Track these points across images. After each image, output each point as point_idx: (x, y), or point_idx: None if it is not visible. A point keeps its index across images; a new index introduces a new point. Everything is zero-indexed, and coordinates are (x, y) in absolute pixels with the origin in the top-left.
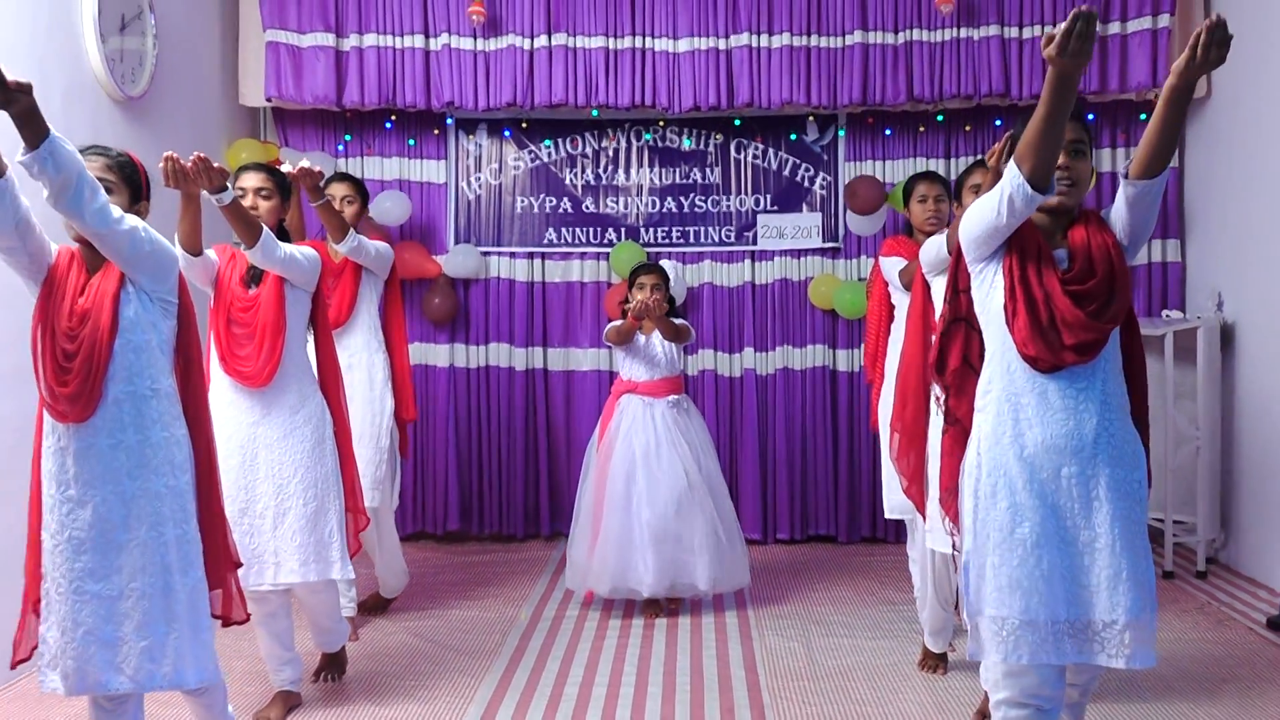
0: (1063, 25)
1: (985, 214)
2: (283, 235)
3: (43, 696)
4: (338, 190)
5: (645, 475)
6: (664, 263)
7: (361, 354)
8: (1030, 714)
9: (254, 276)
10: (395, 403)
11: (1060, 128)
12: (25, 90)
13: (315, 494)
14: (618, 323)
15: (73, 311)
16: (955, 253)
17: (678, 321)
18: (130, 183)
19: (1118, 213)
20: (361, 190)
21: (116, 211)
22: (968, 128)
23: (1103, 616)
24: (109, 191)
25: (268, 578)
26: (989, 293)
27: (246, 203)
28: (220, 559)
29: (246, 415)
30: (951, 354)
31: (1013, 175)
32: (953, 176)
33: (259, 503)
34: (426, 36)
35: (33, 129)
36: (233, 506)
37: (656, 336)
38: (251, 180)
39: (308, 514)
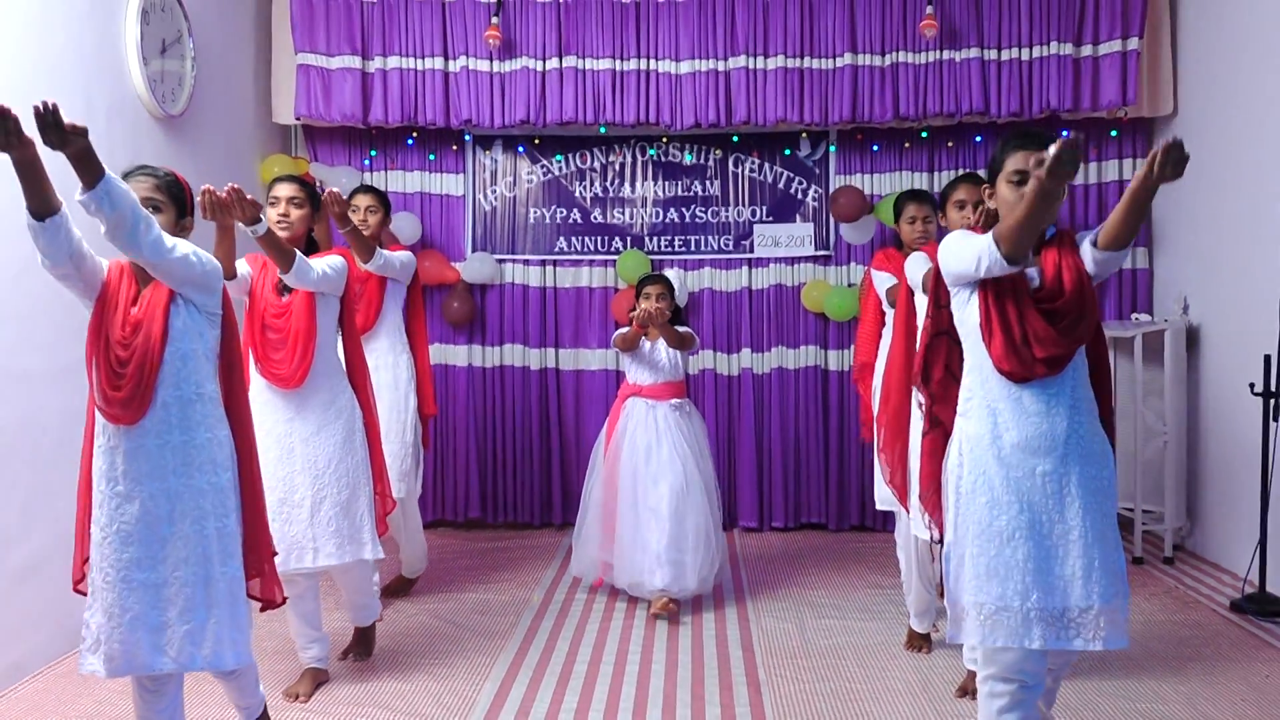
0: (1053, 150)
1: (963, 262)
2: (311, 243)
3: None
4: (362, 201)
5: (648, 472)
6: (669, 272)
7: (387, 355)
8: (1015, 689)
9: (286, 285)
10: (418, 400)
11: (1038, 226)
12: (81, 133)
13: (348, 482)
14: (624, 330)
15: (126, 321)
16: (935, 272)
17: (681, 330)
18: (176, 201)
19: (1085, 257)
20: (384, 201)
21: (169, 240)
22: (950, 143)
23: (1078, 603)
24: (157, 210)
25: (307, 561)
26: (966, 308)
27: (279, 210)
28: (260, 549)
29: (282, 413)
30: (935, 365)
31: (992, 248)
32: (936, 188)
33: (297, 493)
34: (446, 59)
35: (88, 169)
36: (272, 497)
37: (661, 343)
38: (285, 190)
39: (342, 501)
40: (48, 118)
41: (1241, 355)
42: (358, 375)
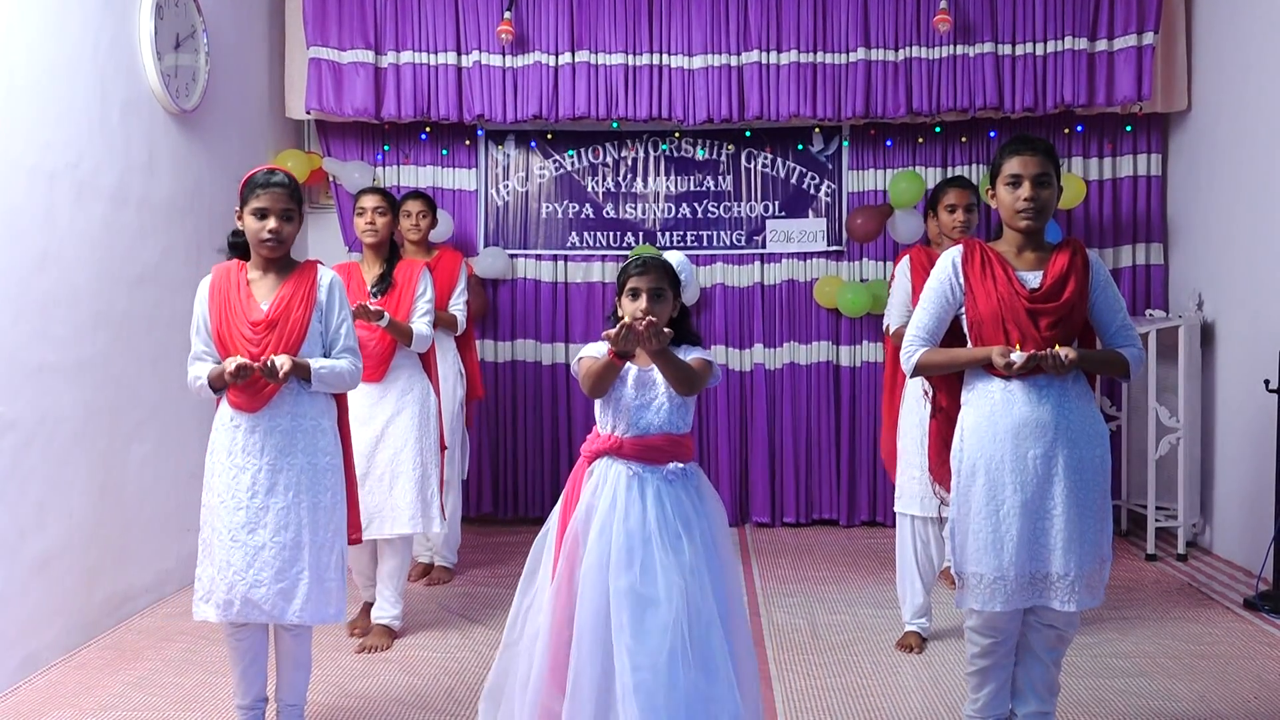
0: (1019, 360)
1: (907, 331)
2: (394, 248)
3: (97, 669)
4: (413, 206)
5: (631, 607)
6: (673, 254)
7: (440, 346)
8: (990, 643)
9: (380, 289)
10: (466, 386)
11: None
12: (281, 370)
13: (421, 461)
14: (592, 350)
15: (254, 320)
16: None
17: (692, 357)
18: (299, 202)
19: (1092, 303)
20: (431, 205)
21: (356, 363)
22: (964, 139)
23: (1058, 570)
24: (290, 219)
25: (386, 529)
26: (963, 312)
27: (366, 219)
28: (349, 524)
29: (366, 399)
30: None
31: (910, 359)
32: None
33: (378, 469)
34: (459, 54)
35: (300, 376)
36: (358, 472)
37: (656, 371)
38: (370, 201)
39: (416, 478)
40: (268, 374)
41: (1256, 352)
42: (432, 368)
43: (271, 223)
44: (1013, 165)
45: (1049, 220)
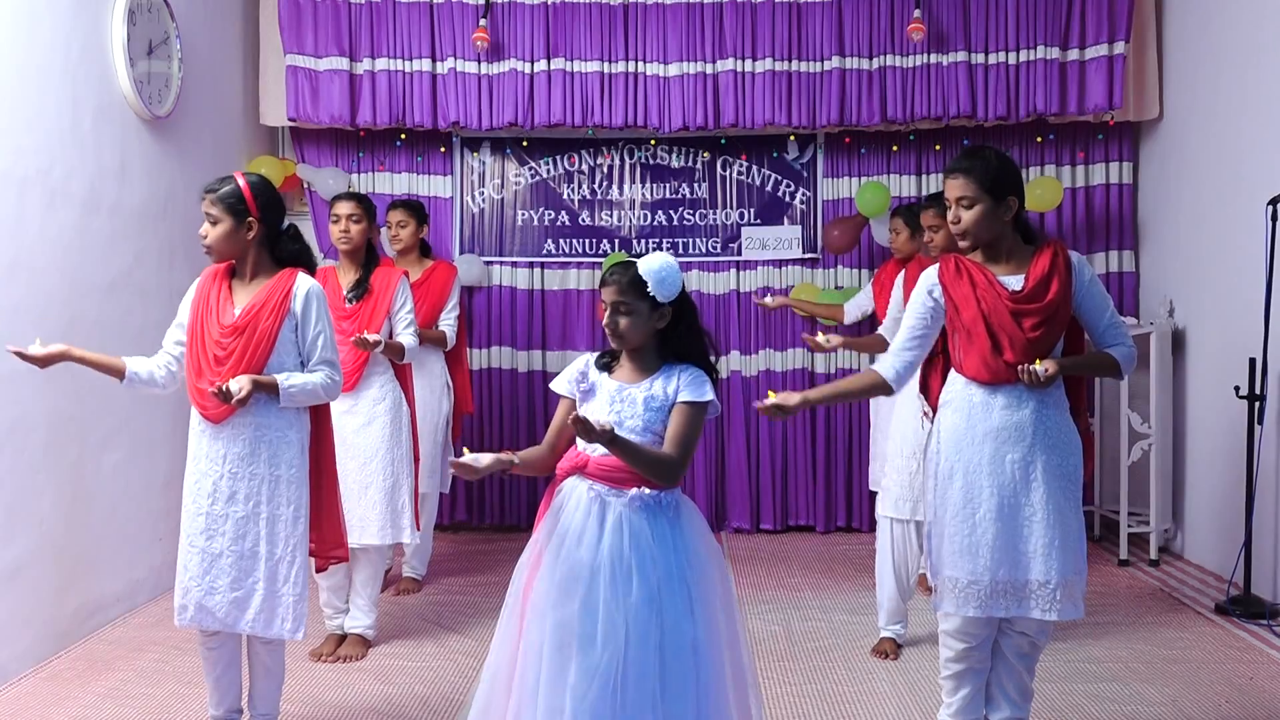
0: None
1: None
2: (371, 255)
3: (67, 680)
4: (392, 217)
5: (562, 644)
6: (651, 258)
7: (421, 357)
8: (963, 648)
9: (356, 295)
10: (453, 400)
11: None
12: (235, 397)
13: (392, 472)
14: (562, 379)
15: (225, 324)
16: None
17: (681, 402)
18: (233, 211)
19: (1079, 304)
20: (415, 213)
21: (333, 376)
22: (937, 146)
23: (1038, 577)
24: (215, 224)
25: (353, 538)
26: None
27: (340, 227)
28: (326, 536)
29: (337, 407)
30: (933, 380)
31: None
32: (924, 191)
33: (348, 478)
34: (434, 61)
35: (268, 392)
36: None
37: (639, 386)
38: (344, 209)
39: (386, 488)
40: (222, 397)
41: (1226, 359)
42: (406, 380)
43: (203, 227)
44: (945, 189)
45: (987, 236)
